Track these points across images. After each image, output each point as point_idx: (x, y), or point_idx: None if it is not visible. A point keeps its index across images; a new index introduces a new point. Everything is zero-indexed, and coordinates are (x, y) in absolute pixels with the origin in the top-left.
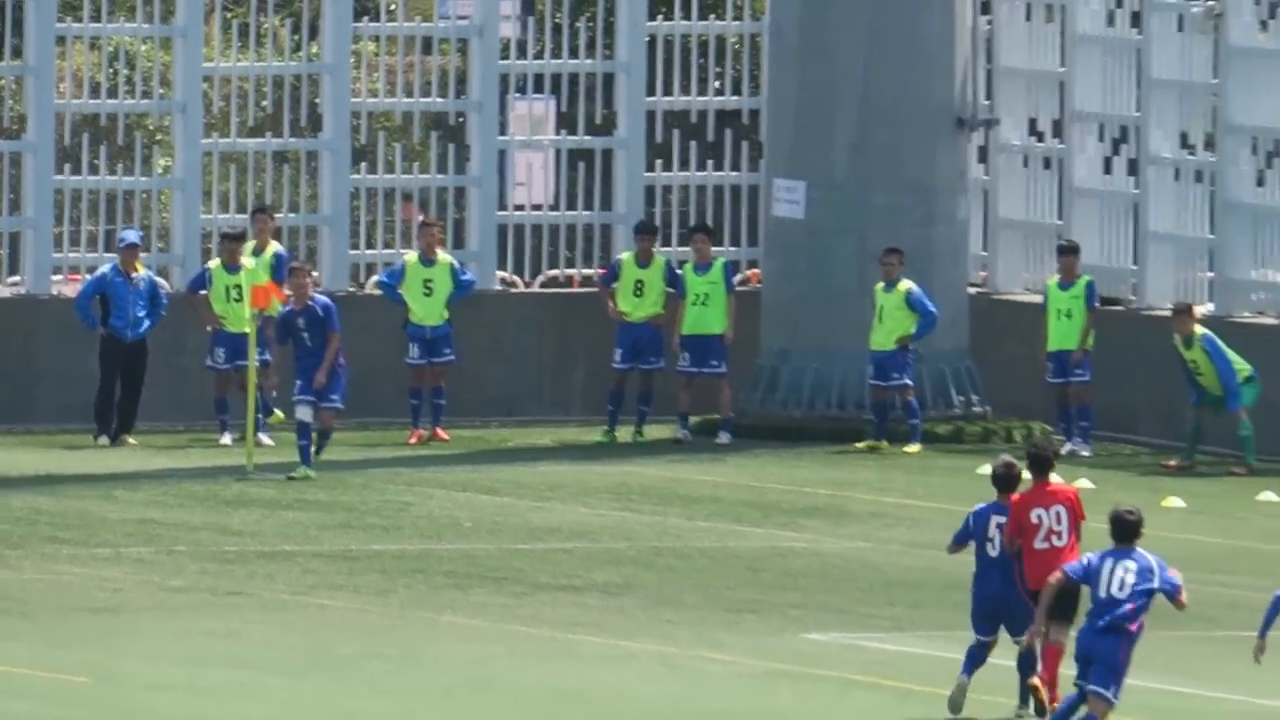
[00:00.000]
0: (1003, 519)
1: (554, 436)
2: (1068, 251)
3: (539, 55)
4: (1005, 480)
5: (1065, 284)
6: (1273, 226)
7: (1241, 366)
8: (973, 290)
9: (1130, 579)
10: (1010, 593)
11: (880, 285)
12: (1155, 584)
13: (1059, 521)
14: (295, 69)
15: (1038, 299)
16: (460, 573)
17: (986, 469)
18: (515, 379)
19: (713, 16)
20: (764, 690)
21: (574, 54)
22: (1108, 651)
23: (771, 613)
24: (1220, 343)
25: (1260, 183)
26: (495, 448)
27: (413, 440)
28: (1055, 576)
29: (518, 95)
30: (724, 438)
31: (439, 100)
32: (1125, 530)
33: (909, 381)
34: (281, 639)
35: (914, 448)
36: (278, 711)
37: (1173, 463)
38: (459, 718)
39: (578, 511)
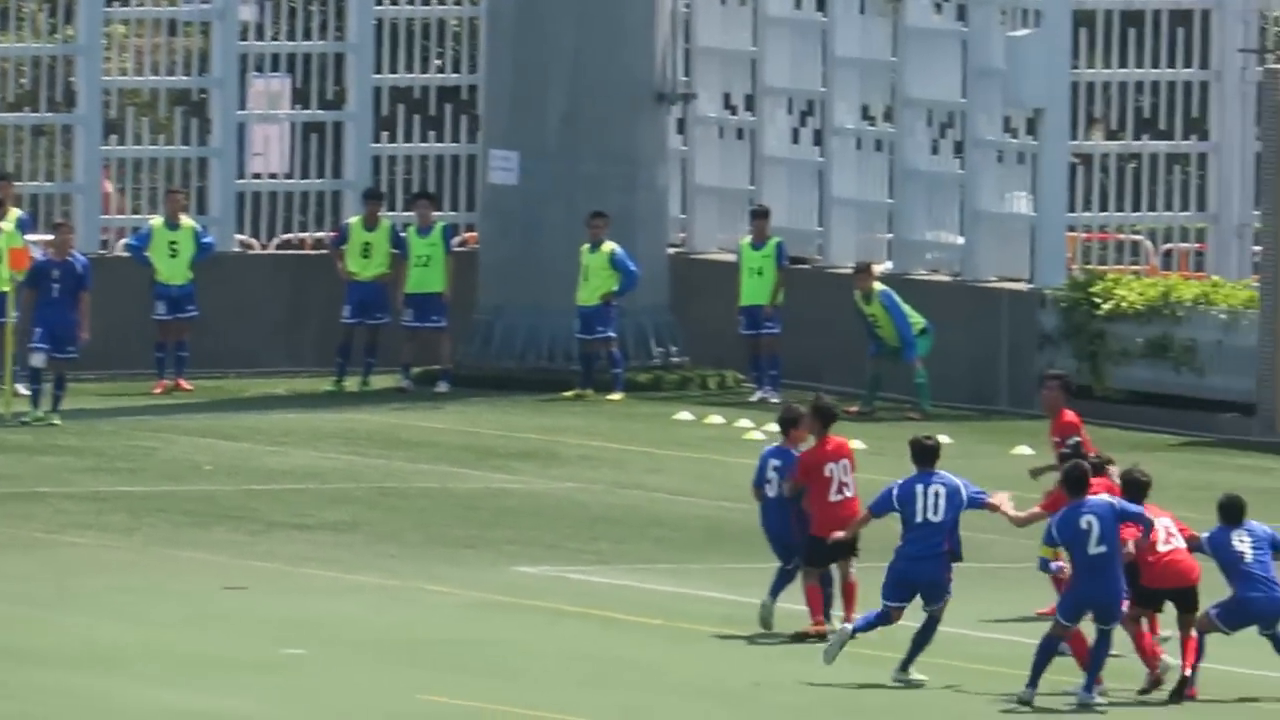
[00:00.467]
0: (779, 461)
1: (288, 386)
2: (759, 215)
3: (275, 37)
4: (786, 422)
5: (757, 244)
6: (945, 192)
7: (917, 320)
8: (672, 250)
9: (942, 502)
10: (788, 527)
11: (586, 246)
12: (964, 501)
13: (846, 473)
14: (51, 50)
15: (732, 258)
16: (201, 512)
17: (684, 415)
18: (252, 333)
19: (435, 1)
20: (480, 619)
21: (307, 35)
22: (934, 574)
23: (487, 548)
24: (897, 298)
25: (934, 151)
26: (234, 397)
27: (158, 390)
28: (861, 515)
29: (255, 73)
30: (443, 387)
31: (183, 78)
32: (926, 455)
33: (612, 334)
34: (36, 574)
35: (617, 395)
36: (34, 641)
37: (854, 409)
38: (200, 645)
39: (309, 455)
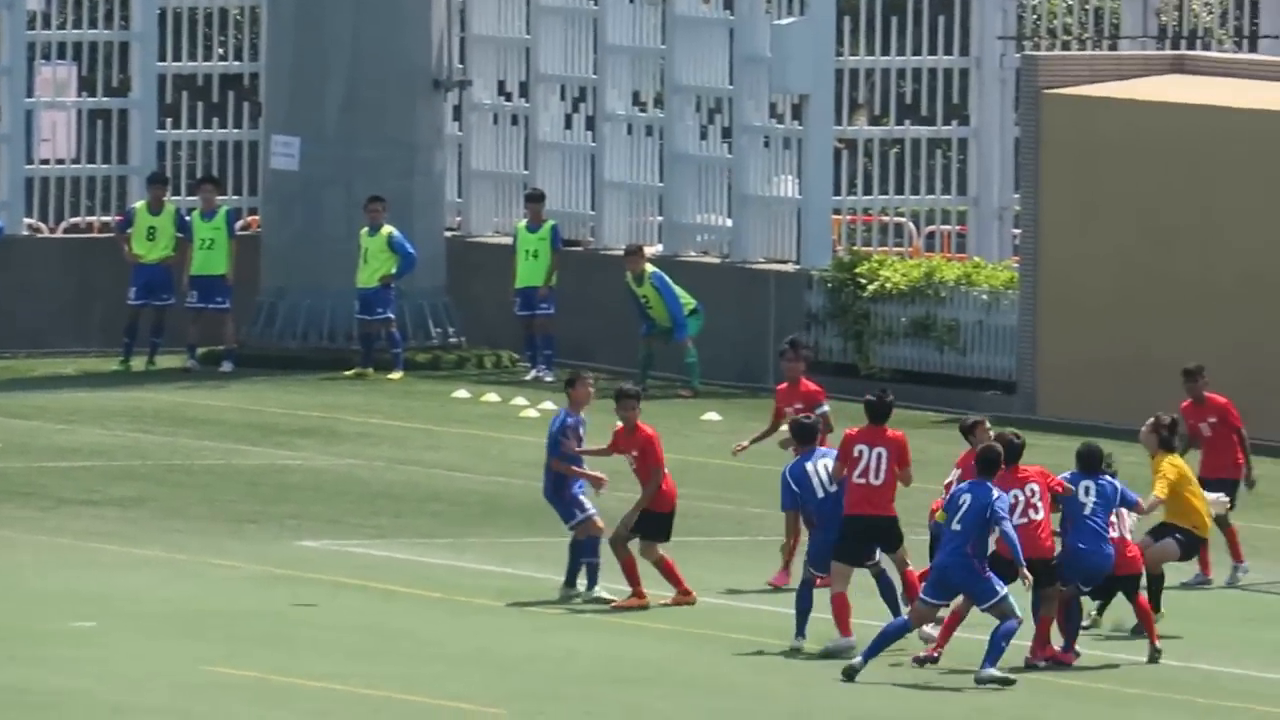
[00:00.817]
0: (555, 424)
1: (76, 366)
2: (534, 199)
3: (62, 25)
4: (567, 382)
5: (532, 227)
6: (714, 176)
7: (687, 301)
8: (449, 234)
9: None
10: (549, 492)
11: (365, 230)
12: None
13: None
14: None
15: (507, 241)
16: None
17: (461, 393)
18: (41, 314)
19: None
20: (263, 591)
21: (93, 24)
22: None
23: (270, 523)
24: (668, 279)
25: (703, 137)
26: (23, 376)
27: None
28: (787, 518)
29: (43, 61)
30: (227, 366)
31: None
32: (806, 433)
33: (391, 315)
34: None
35: (396, 375)
36: None
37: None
38: None
39: (97, 433)
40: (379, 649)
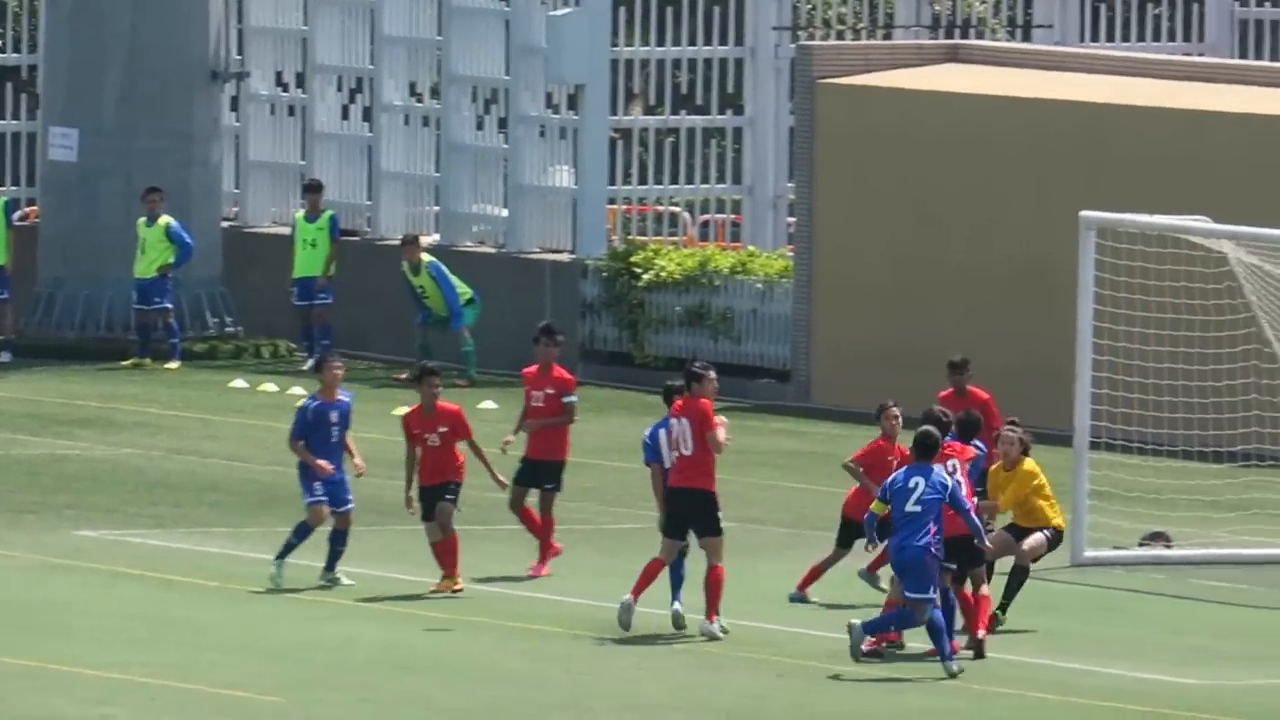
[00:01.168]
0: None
1: None
2: (312, 189)
3: None
4: (317, 368)
5: (310, 218)
6: (490, 166)
7: (464, 290)
8: (226, 224)
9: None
10: (299, 470)
11: (143, 220)
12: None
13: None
14: None
15: (285, 231)
16: None
17: (239, 383)
18: None
19: None
20: (41, 581)
21: None
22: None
23: (49, 513)
24: (445, 269)
25: (479, 127)
26: None
27: None
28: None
29: None
30: (6, 357)
31: None
32: (666, 397)
33: (169, 305)
34: None
35: (174, 364)
36: None
37: (403, 376)
38: None
39: None
40: (157, 637)
